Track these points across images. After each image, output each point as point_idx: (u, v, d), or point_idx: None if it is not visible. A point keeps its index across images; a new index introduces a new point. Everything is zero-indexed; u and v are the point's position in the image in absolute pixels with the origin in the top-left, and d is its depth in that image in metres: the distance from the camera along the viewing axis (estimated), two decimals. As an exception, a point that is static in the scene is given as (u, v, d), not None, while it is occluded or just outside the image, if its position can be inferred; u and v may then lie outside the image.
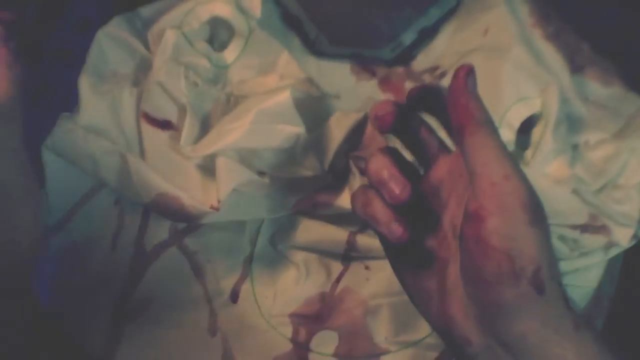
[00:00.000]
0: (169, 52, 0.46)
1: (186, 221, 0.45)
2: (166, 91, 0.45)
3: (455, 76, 0.31)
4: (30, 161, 0.43)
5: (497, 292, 0.29)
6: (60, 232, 0.46)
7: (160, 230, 0.46)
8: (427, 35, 0.51)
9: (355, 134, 0.45)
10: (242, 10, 0.47)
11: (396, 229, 0.33)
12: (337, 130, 0.45)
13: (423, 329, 0.44)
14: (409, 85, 0.51)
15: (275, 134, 0.43)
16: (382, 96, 0.51)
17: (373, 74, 0.52)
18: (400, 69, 0.51)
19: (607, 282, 0.51)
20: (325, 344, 0.44)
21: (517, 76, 0.47)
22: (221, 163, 0.43)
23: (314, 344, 0.44)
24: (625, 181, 0.48)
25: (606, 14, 0.57)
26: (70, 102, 0.47)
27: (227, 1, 0.47)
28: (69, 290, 0.45)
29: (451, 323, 0.32)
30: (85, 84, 0.47)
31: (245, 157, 0.44)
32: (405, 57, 0.51)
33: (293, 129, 0.43)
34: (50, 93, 0.50)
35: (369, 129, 0.45)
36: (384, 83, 0.51)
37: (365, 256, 0.46)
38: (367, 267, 0.46)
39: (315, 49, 0.51)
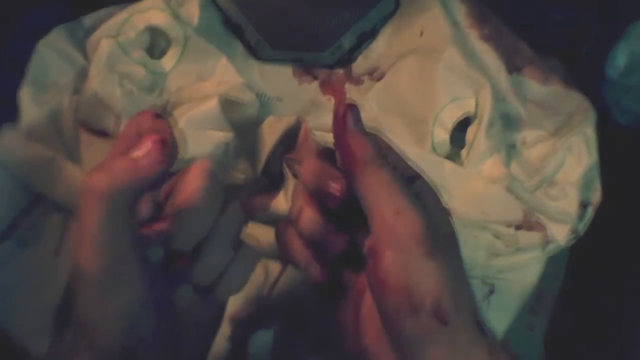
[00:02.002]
0: (104, 62, 0.46)
1: None
2: (101, 101, 0.46)
3: (335, 116, 0.31)
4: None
5: (398, 324, 0.29)
6: (7, 240, 0.46)
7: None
8: (366, 38, 0.52)
9: (289, 138, 0.46)
10: (178, 18, 0.48)
11: (312, 271, 0.33)
12: (269, 134, 0.46)
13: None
14: (349, 87, 0.51)
15: (205, 140, 0.44)
16: (324, 99, 0.52)
17: (315, 77, 0.53)
18: (340, 72, 0.52)
19: (551, 279, 0.52)
20: (261, 343, 0.45)
21: (451, 77, 0.48)
22: None
23: (251, 344, 0.45)
24: (562, 178, 0.49)
25: (551, 11, 0.58)
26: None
27: (162, 10, 0.48)
28: (12, 296, 0.46)
29: (365, 354, 0.32)
30: (25, 95, 0.47)
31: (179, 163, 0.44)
32: (346, 60, 0.52)
33: (222, 135, 0.44)
34: (5, 103, 0.50)
35: (302, 132, 0.46)
36: (325, 86, 0.52)
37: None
38: None
39: (257, 55, 0.52)
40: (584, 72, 0.56)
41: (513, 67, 0.52)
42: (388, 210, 0.29)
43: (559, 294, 0.53)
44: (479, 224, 0.47)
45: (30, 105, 0.47)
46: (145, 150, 0.31)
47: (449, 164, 0.47)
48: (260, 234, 0.46)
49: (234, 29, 0.52)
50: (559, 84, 0.52)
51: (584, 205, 0.49)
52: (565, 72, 0.55)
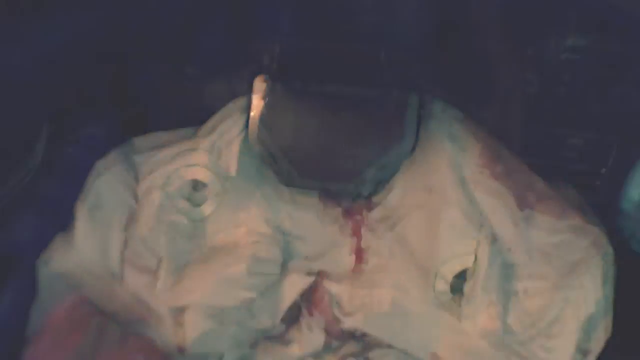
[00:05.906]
0: (154, 212, 0.53)
1: None
2: (148, 246, 0.53)
3: None
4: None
5: None
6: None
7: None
8: (383, 187, 0.56)
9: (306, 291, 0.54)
10: (219, 174, 0.54)
11: None
12: (290, 291, 0.53)
13: None
14: (365, 232, 0.56)
15: (233, 297, 0.52)
16: (344, 241, 0.56)
17: (338, 204, 0.57)
18: (359, 218, 0.57)
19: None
20: None
21: (453, 235, 0.52)
22: (189, 317, 0.52)
23: None
24: (558, 331, 0.52)
25: (568, 137, 0.57)
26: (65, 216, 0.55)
27: (207, 166, 0.54)
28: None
29: None
30: (82, 218, 0.54)
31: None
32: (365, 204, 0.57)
33: (248, 294, 0.52)
34: (51, 206, 0.55)
35: (320, 293, 0.53)
36: (344, 229, 0.57)
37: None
38: None
39: (286, 182, 0.56)
40: (601, 200, 0.56)
41: (526, 204, 0.54)
42: None
43: None
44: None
45: (84, 230, 0.54)
46: None
47: (444, 317, 0.52)
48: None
49: (269, 160, 0.57)
50: (576, 217, 0.53)
51: (583, 354, 0.52)
52: (581, 201, 0.56)
